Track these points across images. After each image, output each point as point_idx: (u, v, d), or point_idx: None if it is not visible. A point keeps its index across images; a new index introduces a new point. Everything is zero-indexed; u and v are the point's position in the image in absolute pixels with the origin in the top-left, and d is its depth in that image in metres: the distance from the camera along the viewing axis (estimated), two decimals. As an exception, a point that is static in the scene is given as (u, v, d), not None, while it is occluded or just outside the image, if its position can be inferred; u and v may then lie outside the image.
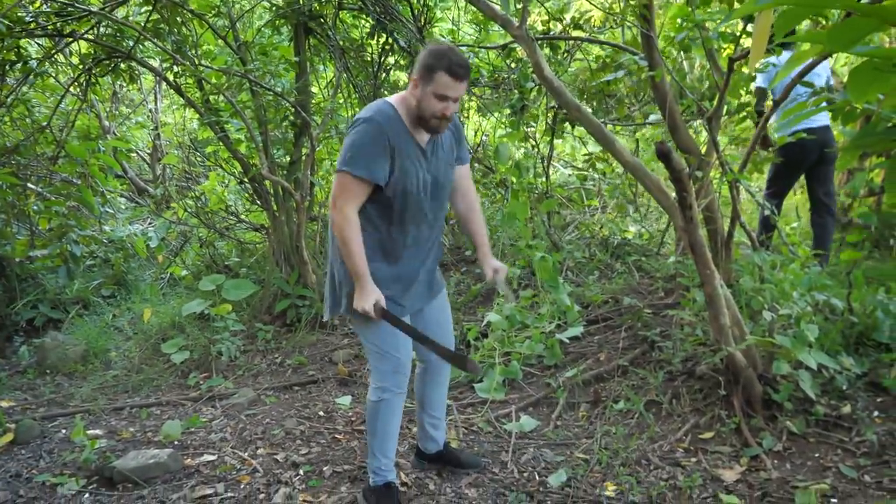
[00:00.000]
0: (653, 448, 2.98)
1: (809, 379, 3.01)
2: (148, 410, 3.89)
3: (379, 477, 2.65)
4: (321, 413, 3.66)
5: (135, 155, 7.92)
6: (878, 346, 3.34)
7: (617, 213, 5.50)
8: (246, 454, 3.24)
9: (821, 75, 4.37)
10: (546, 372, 3.77)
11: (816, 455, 2.81)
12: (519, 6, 3.24)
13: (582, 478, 2.81)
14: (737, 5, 3.55)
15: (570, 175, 6.22)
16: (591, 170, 5.10)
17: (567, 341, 3.91)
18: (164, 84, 7.70)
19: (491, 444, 3.17)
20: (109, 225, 6.32)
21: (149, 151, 7.53)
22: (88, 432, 3.49)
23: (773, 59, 4.16)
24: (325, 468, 3.06)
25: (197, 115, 6.19)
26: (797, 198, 6.24)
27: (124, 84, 6.89)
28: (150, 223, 6.64)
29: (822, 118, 4.49)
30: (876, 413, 2.99)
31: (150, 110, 7.62)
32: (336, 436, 3.37)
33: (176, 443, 3.41)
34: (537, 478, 2.85)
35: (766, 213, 4.37)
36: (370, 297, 2.38)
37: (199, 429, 3.57)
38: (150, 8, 4.73)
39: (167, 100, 7.71)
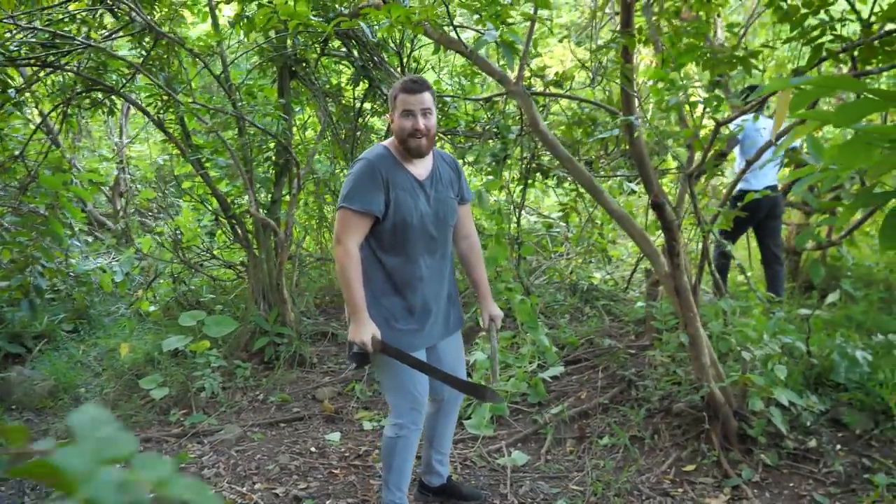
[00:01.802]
0: (641, 480, 3.17)
1: (780, 415, 3.27)
2: (131, 446, 3.84)
3: (393, 510, 2.74)
4: (313, 449, 3.71)
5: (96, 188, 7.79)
6: (835, 387, 3.65)
7: (584, 259, 5.79)
8: (244, 489, 3.27)
9: (766, 128, 4.77)
10: (531, 409, 3.93)
11: (791, 485, 3.05)
12: (517, 64, 3.49)
13: (580, 508, 2.97)
14: (705, 73, 3.90)
15: (535, 222, 6.50)
16: (562, 219, 5.36)
17: (549, 380, 4.10)
18: (129, 119, 7.69)
19: (487, 478, 3.30)
20: (73, 258, 6.21)
21: (110, 186, 7.44)
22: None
23: (749, 117, 4.53)
24: (327, 502, 3.12)
25: (168, 150, 6.22)
26: (743, 252, 6.67)
27: (86, 117, 6.86)
28: (113, 258, 6.55)
29: (772, 178, 4.91)
30: (839, 447, 3.28)
31: (116, 143, 7.56)
32: (332, 471, 3.43)
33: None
34: (537, 509, 3.00)
35: (726, 249, 4.72)
36: (366, 329, 2.48)
37: (189, 464, 3.56)
38: (138, 43, 4.80)
39: (141, 133, 7.66)
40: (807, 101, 1.63)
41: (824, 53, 2.66)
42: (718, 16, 5.84)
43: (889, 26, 3.11)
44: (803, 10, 2.67)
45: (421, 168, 2.63)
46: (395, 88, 2.57)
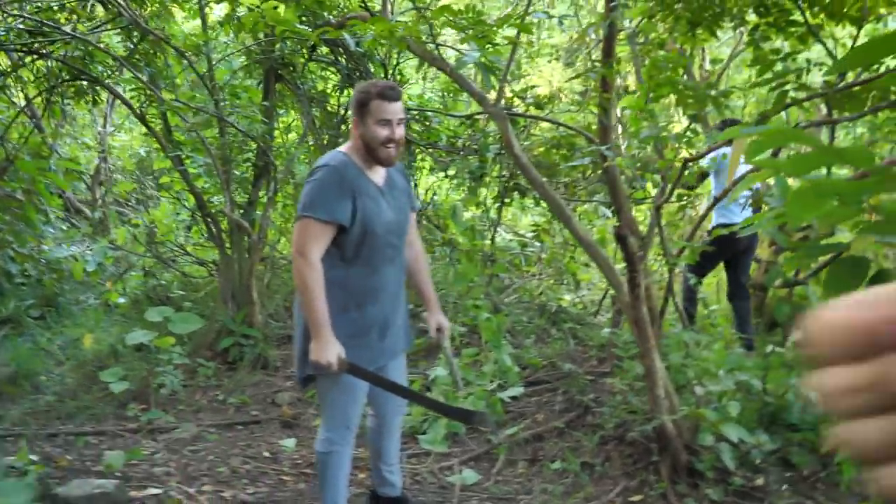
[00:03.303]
0: (587, 507, 3.19)
1: (729, 451, 3.31)
2: (85, 439, 3.83)
3: (331, 526, 2.73)
4: (266, 454, 3.71)
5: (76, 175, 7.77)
6: (788, 426, 3.70)
7: (555, 280, 5.84)
8: (192, 489, 3.26)
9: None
10: (487, 428, 3.95)
11: (734, 522, 3.08)
12: (496, 84, 3.53)
13: (523, 531, 2.99)
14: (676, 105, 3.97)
15: (510, 240, 6.54)
16: (534, 239, 5.41)
17: (508, 400, 4.12)
18: (114, 108, 7.67)
19: (435, 495, 3.31)
20: (47, 244, 6.18)
21: (90, 174, 7.42)
22: (20, 457, 3.42)
23: (723, 151, 4.56)
24: (273, 508, 3.13)
25: (150, 143, 6.22)
26: (711, 283, 6.74)
27: (72, 104, 6.83)
28: (87, 246, 6.52)
29: (745, 214, 4.97)
30: (785, 486, 3.32)
31: (99, 132, 7.54)
32: (283, 477, 3.44)
33: (118, 473, 3.39)
34: (481, 529, 3.01)
35: (692, 282, 4.77)
36: (331, 348, 2.38)
37: (141, 461, 3.55)
38: (127, 37, 4.81)
39: (123, 122, 7.65)
40: (762, 149, 1.68)
41: (789, 100, 2.72)
42: (703, 49, 5.94)
43: (865, 74, 3.18)
44: (772, 57, 2.72)
45: (378, 175, 2.57)
46: (365, 93, 2.45)
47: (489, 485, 3.40)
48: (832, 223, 2.07)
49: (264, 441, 3.88)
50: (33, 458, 3.51)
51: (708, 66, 5.60)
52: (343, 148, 2.58)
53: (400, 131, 2.48)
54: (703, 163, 4.82)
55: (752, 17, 3.95)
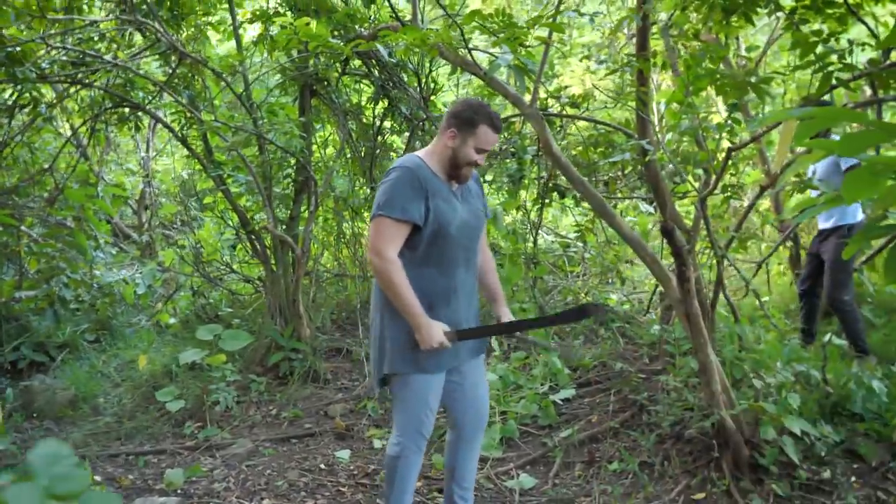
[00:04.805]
0: (649, 507, 3.14)
1: (792, 444, 3.22)
2: (145, 458, 3.90)
3: (395, 529, 2.73)
4: (322, 466, 3.73)
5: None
6: (852, 416, 3.59)
7: (600, 280, 5.78)
8: (252, 504, 3.30)
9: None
10: (541, 432, 3.92)
11: (802, 517, 3.00)
12: (530, 86, 3.51)
13: (585, 534, 2.95)
14: (720, 97, 3.90)
15: (552, 242, 6.50)
16: (577, 240, 5.37)
17: (560, 402, 4.09)
18: (156, 132, 7.86)
19: (493, 501, 3.29)
20: (98, 269, 6.34)
21: (136, 198, 7.61)
22: (88, 478, 3.50)
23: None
24: (333, 519, 3.14)
25: (192, 165, 6.34)
26: (765, 274, 6.59)
27: (115, 131, 7.02)
28: (136, 270, 6.68)
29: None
30: (853, 478, 3.22)
31: (142, 157, 7.73)
32: (340, 488, 3.45)
33: (179, 491, 3.44)
34: (542, 533, 2.98)
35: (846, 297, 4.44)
36: (434, 329, 2.41)
37: (200, 478, 3.60)
38: (165, 62, 4.92)
39: (165, 147, 7.83)
40: (811, 131, 1.63)
41: (834, 81, 2.65)
42: (738, 38, 5.83)
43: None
44: (813, 39, 2.66)
45: (451, 182, 2.64)
46: (476, 114, 2.53)
47: (547, 488, 3.37)
48: (891, 202, 2.00)
49: (319, 453, 3.91)
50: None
51: (744, 54, 5.49)
52: (420, 152, 2.66)
53: (483, 159, 2.60)
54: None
55: (787, 1, 3.87)
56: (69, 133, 6.31)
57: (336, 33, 4.53)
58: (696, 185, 4.09)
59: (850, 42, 3.17)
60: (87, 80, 4.98)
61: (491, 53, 4.13)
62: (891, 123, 1.54)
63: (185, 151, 5.59)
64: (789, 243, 5.66)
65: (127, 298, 6.17)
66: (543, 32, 3.80)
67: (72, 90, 5.32)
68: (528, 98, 3.61)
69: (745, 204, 5.58)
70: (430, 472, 3.56)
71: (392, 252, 2.44)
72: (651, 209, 4.98)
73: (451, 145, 2.54)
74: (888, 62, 3.00)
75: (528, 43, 3.71)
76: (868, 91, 5.37)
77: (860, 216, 4.49)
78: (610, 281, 5.91)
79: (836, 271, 4.48)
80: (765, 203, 6.04)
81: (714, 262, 3.89)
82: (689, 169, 3.79)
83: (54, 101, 5.25)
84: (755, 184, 5.08)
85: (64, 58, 4.81)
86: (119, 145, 8.43)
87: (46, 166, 5.65)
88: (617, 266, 5.44)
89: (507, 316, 2.79)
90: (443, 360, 2.57)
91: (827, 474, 3.22)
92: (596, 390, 4.26)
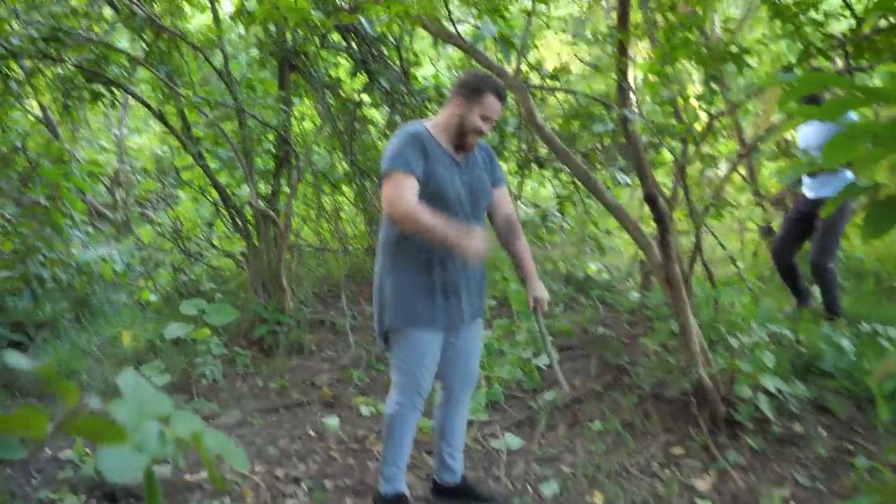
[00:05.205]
0: (631, 462, 3.27)
1: (766, 401, 3.37)
2: (135, 431, 3.92)
3: (388, 485, 2.81)
4: (312, 433, 3.80)
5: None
6: (822, 374, 3.75)
7: (579, 249, 5.89)
8: (245, 471, 3.35)
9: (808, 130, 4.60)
10: (526, 395, 4.03)
11: (776, 468, 3.15)
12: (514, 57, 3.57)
13: (572, 488, 3.07)
14: (698, 66, 3.98)
15: (532, 214, 6.58)
16: (558, 210, 5.46)
17: (543, 367, 4.20)
18: (128, 110, 7.75)
19: (482, 461, 3.40)
20: (75, 248, 6.28)
21: (110, 176, 7.52)
22: (76, 451, 3.53)
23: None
24: (326, 483, 3.22)
25: (168, 142, 6.29)
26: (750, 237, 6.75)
27: (85, 108, 6.90)
28: (114, 248, 6.62)
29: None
30: (824, 432, 3.38)
31: (115, 135, 7.62)
32: (331, 454, 3.53)
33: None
34: (530, 489, 3.10)
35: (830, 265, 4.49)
36: (468, 235, 2.37)
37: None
38: (139, 36, 4.86)
39: (139, 124, 7.73)
40: (794, 96, 1.71)
41: (813, 51, 2.75)
42: (715, 10, 5.93)
43: (882, 23, 3.20)
44: (793, 9, 2.75)
45: (453, 150, 2.69)
46: (483, 83, 2.60)
47: (533, 448, 3.48)
48: (867, 165, 2.11)
49: (308, 421, 3.97)
50: (88, 450, 3.62)
51: (719, 27, 5.58)
52: (424, 121, 2.73)
53: (488, 127, 2.65)
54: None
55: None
56: (38, 111, 6.21)
57: (316, 6, 4.51)
58: (673, 157, 4.19)
59: (825, 14, 3.27)
60: (59, 56, 4.90)
61: (474, 25, 4.18)
62: (874, 87, 1.63)
63: (161, 127, 5.54)
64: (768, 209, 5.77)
65: (105, 276, 6.13)
66: (527, 3, 3.86)
67: (42, 66, 5.22)
68: (510, 70, 3.67)
69: (720, 174, 5.72)
70: (418, 436, 3.64)
71: (411, 197, 2.46)
72: (628, 180, 5.09)
73: (458, 112, 2.62)
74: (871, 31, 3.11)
75: (507, 15, 3.75)
76: (839, 64, 5.50)
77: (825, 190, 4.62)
78: (588, 251, 6.03)
79: (828, 239, 4.53)
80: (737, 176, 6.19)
81: (693, 229, 4.01)
82: (666, 139, 3.88)
83: (25, 79, 5.15)
84: (730, 154, 5.20)
85: (34, 33, 4.72)
86: (89, 123, 8.30)
87: (18, 144, 5.55)
88: (595, 235, 5.55)
89: (535, 292, 2.83)
90: (437, 318, 2.63)
91: (799, 428, 3.38)
92: (578, 355, 4.38)
